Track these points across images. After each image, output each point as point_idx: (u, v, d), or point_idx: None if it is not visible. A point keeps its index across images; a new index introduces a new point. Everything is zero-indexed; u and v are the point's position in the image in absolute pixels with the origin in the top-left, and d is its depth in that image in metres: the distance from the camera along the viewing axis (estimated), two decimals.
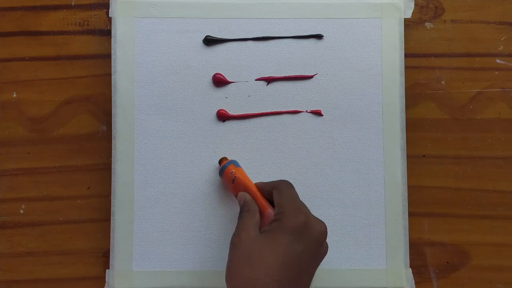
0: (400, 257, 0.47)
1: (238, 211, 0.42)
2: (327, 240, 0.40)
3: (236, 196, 0.44)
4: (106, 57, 0.49)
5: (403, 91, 0.48)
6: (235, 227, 0.40)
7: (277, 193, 0.41)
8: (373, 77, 0.48)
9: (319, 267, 0.40)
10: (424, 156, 0.50)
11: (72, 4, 0.50)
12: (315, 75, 0.48)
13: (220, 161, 0.46)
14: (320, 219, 0.40)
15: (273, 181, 0.43)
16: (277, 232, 0.38)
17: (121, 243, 0.46)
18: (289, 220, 0.38)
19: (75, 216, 0.49)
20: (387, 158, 0.48)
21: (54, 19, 0.50)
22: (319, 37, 0.48)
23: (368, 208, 0.47)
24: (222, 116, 0.48)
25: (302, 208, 0.40)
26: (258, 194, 0.43)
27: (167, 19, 0.48)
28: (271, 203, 0.42)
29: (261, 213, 0.42)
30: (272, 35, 0.48)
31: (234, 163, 0.45)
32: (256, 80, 0.48)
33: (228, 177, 0.45)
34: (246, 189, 0.43)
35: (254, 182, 0.44)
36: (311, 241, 0.38)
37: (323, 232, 0.39)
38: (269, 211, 0.41)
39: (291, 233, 0.38)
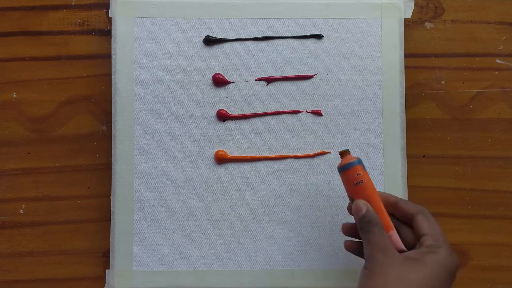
0: None
1: (358, 221, 0.38)
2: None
3: (351, 199, 0.40)
4: (106, 57, 0.49)
5: (403, 91, 0.48)
6: (363, 242, 0.37)
7: (426, 221, 0.38)
8: (373, 77, 0.48)
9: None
10: (424, 156, 0.50)
11: (72, 4, 0.50)
12: (315, 75, 0.48)
13: (343, 154, 0.41)
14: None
15: (414, 203, 0.40)
16: (433, 265, 0.35)
17: (121, 243, 0.46)
18: (448, 258, 0.36)
19: (75, 216, 0.49)
20: (387, 158, 0.48)
21: (54, 19, 0.50)
22: (319, 37, 0.48)
23: None
24: (222, 116, 0.48)
25: (450, 247, 0.37)
26: (383, 209, 0.39)
27: (167, 19, 0.48)
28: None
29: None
30: (272, 35, 0.48)
31: (362, 163, 0.40)
32: (256, 80, 0.48)
33: (353, 177, 0.40)
34: (369, 199, 0.39)
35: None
36: (448, 278, 0.36)
37: (456, 268, 0.37)
38: (394, 233, 0.38)
39: (449, 273, 0.36)
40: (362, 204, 0.38)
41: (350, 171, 0.40)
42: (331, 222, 0.47)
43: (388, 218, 0.39)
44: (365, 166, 0.41)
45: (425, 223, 0.38)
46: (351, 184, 0.40)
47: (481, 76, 0.50)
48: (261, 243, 0.47)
